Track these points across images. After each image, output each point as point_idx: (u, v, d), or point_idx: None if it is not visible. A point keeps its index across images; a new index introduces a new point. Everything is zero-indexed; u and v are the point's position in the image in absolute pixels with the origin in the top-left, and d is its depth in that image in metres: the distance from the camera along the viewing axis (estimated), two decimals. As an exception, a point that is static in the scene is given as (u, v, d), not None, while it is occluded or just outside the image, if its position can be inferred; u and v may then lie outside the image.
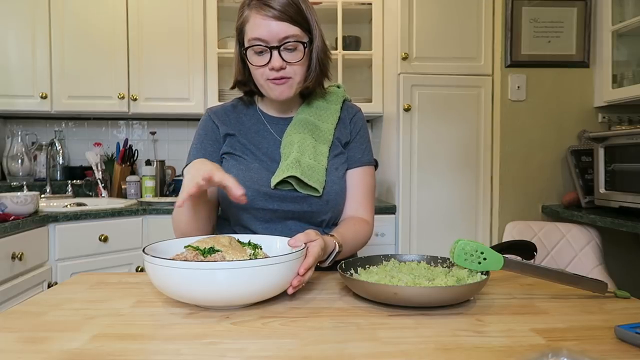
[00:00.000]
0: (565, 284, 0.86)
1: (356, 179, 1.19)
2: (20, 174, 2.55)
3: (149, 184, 2.57)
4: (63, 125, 2.78)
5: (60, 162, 2.63)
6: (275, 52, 1.03)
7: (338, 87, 1.25)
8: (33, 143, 2.68)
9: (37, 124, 2.75)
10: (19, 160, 2.55)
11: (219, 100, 2.50)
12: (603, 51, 2.18)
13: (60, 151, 2.56)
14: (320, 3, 2.57)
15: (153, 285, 0.90)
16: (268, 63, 1.04)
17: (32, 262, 1.84)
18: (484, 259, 0.85)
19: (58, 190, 2.60)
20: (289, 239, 0.91)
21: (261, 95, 1.16)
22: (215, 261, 0.77)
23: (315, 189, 1.08)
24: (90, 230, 2.06)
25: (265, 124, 1.18)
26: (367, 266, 0.95)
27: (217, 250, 0.81)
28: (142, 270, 2.17)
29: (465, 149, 2.32)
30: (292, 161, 1.07)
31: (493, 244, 2.28)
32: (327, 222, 1.15)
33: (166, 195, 2.67)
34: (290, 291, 0.82)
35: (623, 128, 1.97)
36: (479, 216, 2.33)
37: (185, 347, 0.63)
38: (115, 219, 2.13)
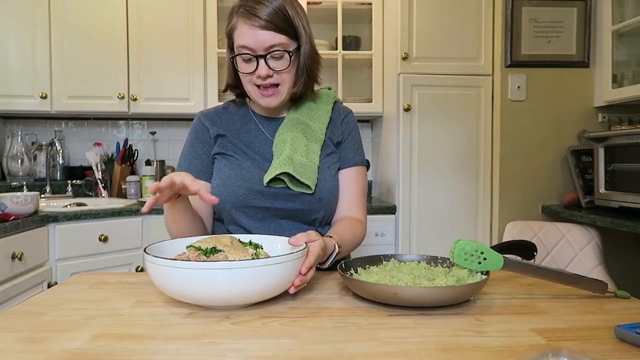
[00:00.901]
0: (565, 284, 0.86)
1: (349, 179, 1.19)
2: (20, 174, 2.55)
3: (149, 184, 2.57)
4: (63, 125, 2.78)
5: (60, 162, 2.63)
6: (261, 61, 1.04)
7: (329, 89, 1.26)
8: (33, 143, 2.68)
9: (37, 124, 2.75)
10: (19, 160, 2.55)
11: (219, 100, 2.50)
12: (603, 51, 2.18)
13: (60, 151, 2.56)
14: (320, 3, 2.57)
15: (153, 285, 0.90)
16: (255, 71, 1.05)
17: (32, 262, 1.84)
18: (484, 259, 0.85)
19: (58, 190, 2.60)
20: (289, 238, 0.91)
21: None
22: (218, 261, 0.76)
23: (308, 187, 1.09)
24: (90, 230, 2.06)
25: (256, 123, 1.19)
26: (367, 266, 0.95)
27: (220, 250, 0.81)
28: (142, 270, 2.17)
29: (465, 149, 2.32)
30: (284, 158, 1.08)
31: (493, 244, 2.28)
32: (319, 221, 1.15)
33: (166, 195, 2.67)
34: (292, 290, 0.82)
35: (623, 128, 1.97)
36: (479, 216, 2.33)
37: (185, 347, 0.63)
38: (115, 219, 2.13)
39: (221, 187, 1.11)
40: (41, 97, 2.39)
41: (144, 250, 0.80)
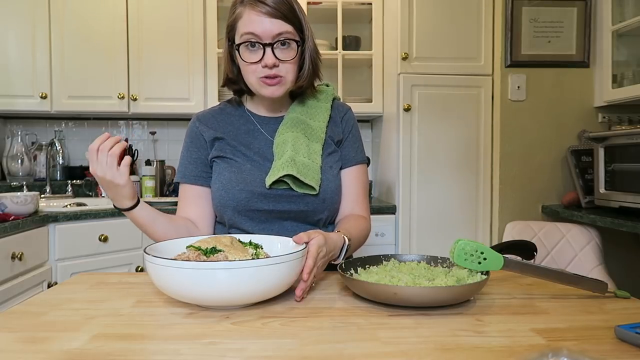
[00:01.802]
0: (565, 284, 0.86)
1: (351, 177, 1.19)
2: (20, 174, 2.55)
3: (149, 184, 2.57)
4: (63, 125, 2.78)
5: (60, 162, 2.63)
6: (268, 49, 1.02)
7: (327, 85, 1.25)
8: (33, 143, 2.68)
9: (37, 124, 2.75)
10: (19, 160, 2.55)
11: (219, 100, 2.50)
12: (603, 51, 2.18)
13: (60, 151, 2.56)
14: (320, 3, 2.57)
15: (153, 285, 0.90)
16: (261, 60, 1.03)
17: (32, 262, 1.84)
18: (484, 259, 0.85)
19: (58, 190, 2.60)
20: (290, 239, 0.91)
21: (250, 94, 1.15)
22: (218, 261, 0.76)
23: (312, 188, 1.08)
24: (90, 230, 2.06)
25: (255, 124, 1.17)
26: (367, 266, 0.95)
27: (220, 250, 0.81)
28: (142, 270, 2.17)
29: (465, 149, 2.32)
30: (287, 160, 1.06)
31: (493, 244, 2.28)
32: (323, 221, 1.15)
33: (166, 195, 2.67)
34: (298, 300, 0.83)
35: (623, 128, 1.97)
36: (479, 216, 2.33)
37: (185, 347, 0.63)
38: (115, 219, 2.13)
39: (222, 191, 1.09)
40: (41, 97, 2.39)
41: (144, 250, 0.79)
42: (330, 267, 0.99)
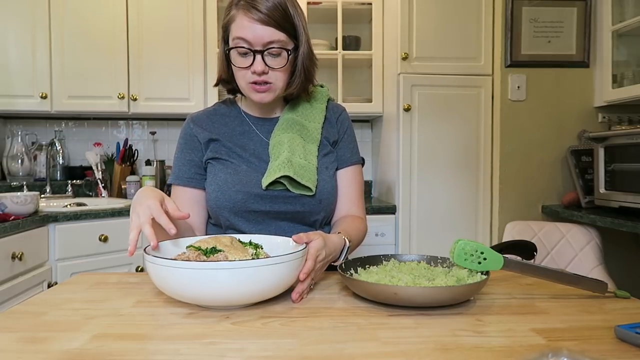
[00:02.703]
0: (565, 284, 0.86)
1: (347, 178, 1.19)
2: (20, 174, 2.55)
3: (149, 184, 2.57)
4: (63, 125, 2.78)
5: (60, 162, 2.63)
6: (258, 56, 1.01)
7: (322, 86, 1.24)
8: (33, 143, 2.68)
9: (37, 124, 2.75)
10: (19, 160, 2.55)
11: (219, 99, 2.49)
12: (603, 51, 2.18)
13: (60, 151, 2.56)
14: (320, 3, 2.57)
15: (153, 285, 0.90)
16: (250, 66, 1.03)
17: (32, 262, 1.84)
18: (484, 259, 0.85)
19: (58, 190, 2.60)
20: (290, 239, 0.91)
21: (243, 94, 1.15)
22: (217, 261, 0.76)
23: (309, 189, 1.08)
24: (90, 230, 2.06)
25: (250, 125, 1.16)
26: (367, 266, 0.95)
27: (219, 250, 0.81)
28: (142, 270, 2.17)
29: (465, 149, 2.32)
30: (283, 161, 1.06)
31: (493, 244, 2.28)
32: (320, 222, 1.15)
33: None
34: (297, 301, 0.82)
35: (623, 128, 1.97)
36: (479, 216, 2.33)
37: (185, 347, 0.63)
38: (115, 219, 2.13)
39: (218, 192, 1.09)
40: (41, 97, 2.39)
41: (144, 250, 0.79)
42: (330, 267, 0.99)
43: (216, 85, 1.17)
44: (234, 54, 1.04)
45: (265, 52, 1.02)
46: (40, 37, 2.38)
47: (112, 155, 2.74)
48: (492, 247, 0.94)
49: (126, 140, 2.71)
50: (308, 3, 2.53)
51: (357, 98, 2.64)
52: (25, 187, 2.46)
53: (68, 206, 2.32)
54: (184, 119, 1.21)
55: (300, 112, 1.16)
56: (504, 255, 0.85)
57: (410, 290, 0.76)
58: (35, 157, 2.65)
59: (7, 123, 2.73)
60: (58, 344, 0.64)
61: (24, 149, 2.57)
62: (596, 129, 2.26)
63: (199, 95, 2.53)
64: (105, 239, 2.09)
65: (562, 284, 0.87)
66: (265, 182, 1.06)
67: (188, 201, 1.14)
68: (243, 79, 1.06)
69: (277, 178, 1.05)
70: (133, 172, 2.68)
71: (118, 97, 2.46)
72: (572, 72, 2.30)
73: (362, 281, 0.80)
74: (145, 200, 0.86)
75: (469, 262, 0.85)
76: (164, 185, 2.69)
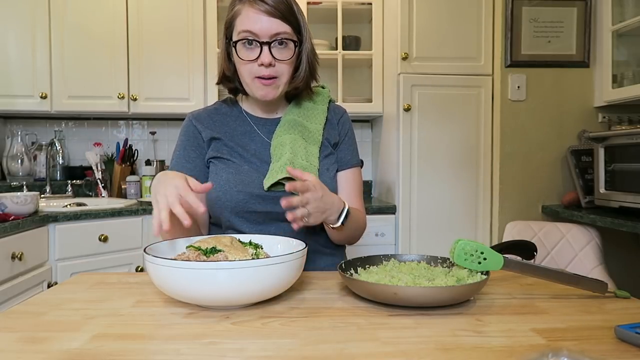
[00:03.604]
0: (565, 284, 0.86)
1: (348, 180, 1.19)
2: (20, 174, 2.55)
3: (149, 183, 2.57)
4: (63, 125, 2.78)
5: (60, 162, 2.63)
6: (265, 48, 1.02)
7: (323, 87, 1.25)
8: (33, 143, 2.68)
9: (37, 124, 2.75)
10: (19, 160, 2.55)
11: (219, 99, 2.50)
12: (603, 51, 2.18)
13: (60, 151, 2.56)
14: (320, 3, 2.57)
15: (153, 285, 0.90)
16: (257, 58, 1.03)
17: (32, 262, 1.84)
18: (484, 259, 0.85)
19: (58, 190, 2.60)
20: (290, 238, 0.91)
21: (245, 93, 1.14)
22: (217, 261, 0.76)
23: None
24: (90, 230, 2.06)
25: (252, 125, 1.16)
26: (367, 266, 0.95)
27: (219, 250, 0.81)
28: (142, 270, 2.17)
29: (465, 149, 2.32)
30: (285, 162, 1.06)
31: (493, 244, 2.28)
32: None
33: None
34: (290, 219, 0.86)
35: (623, 128, 1.97)
36: (479, 216, 2.33)
37: (185, 347, 0.63)
38: (115, 219, 2.13)
39: (219, 192, 1.08)
40: (41, 97, 2.39)
41: (144, 250, 0.79)
42: (330, 267, 0.99)
43: (218, 83, 1.16)
44: (240, 48, 1.04)
45: (273, 44, 1.02)
46: (40, 37, 2.38)
47: (112, 155, 2.74)
48: (492, 247, 0.94)
49: (126, 140, 2.71)
50: (308, 3, 2.53)
51: (357, 98, 2.64)
52: (25, 187, 2.46)
53: (68, 206, 2.32)
54: (184, 119, 1.21)
55: (302, 113, 1.16)
56: (504, 255, 0.85)
57: (410, 290, 0.76)
58: (35, 157, 2.65)
59: (7, 123, 2.73)
60: (58, 344, 0.64)
61: (23, 149, 2.57)
62: (596, 129, 2.26)
63: (198, 95, 2.53)
64: (105, 239, 2.08)
65: (562, 284, 0.87)
66: (267, 183, 1.06)
67: None
68: (248, 73, 1.05)
69: (278, 179, 1.06)
70: (133, 172, 2.68)
71: (118, 97, 2.46)
72: (572, 72, 2.30)
73: (362, 281, 0.80)
74: (171, 181, 0.86)
75: (469, 262, 0.85)
76: (164, 185, 2.68)
